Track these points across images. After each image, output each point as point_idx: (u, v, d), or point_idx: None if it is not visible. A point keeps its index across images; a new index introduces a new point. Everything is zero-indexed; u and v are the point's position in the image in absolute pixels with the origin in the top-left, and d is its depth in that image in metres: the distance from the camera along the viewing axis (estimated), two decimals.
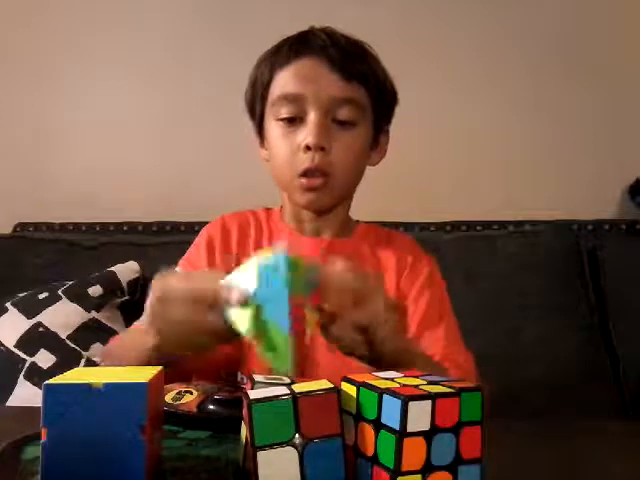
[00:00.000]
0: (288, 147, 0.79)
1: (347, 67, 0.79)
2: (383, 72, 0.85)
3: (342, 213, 0.88)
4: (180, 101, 1.72)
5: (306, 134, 0.77)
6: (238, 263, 0.57)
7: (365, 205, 1.47)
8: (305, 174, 0.78)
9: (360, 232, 0.90)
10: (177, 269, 0.86)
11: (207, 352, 0.62)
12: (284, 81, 0.80)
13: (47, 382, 0.39)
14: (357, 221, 0.93)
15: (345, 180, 0.82)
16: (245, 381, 0.78)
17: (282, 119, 0.80)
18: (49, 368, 1.23)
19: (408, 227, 1.54)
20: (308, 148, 0.77)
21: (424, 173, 1.63)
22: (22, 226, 1.68)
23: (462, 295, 1.33)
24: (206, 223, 0.99)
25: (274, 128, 0.81)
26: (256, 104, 0.85)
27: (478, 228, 1.53)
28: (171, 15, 1.74)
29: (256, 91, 0.84)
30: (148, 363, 0.61)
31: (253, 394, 0.38)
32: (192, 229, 1.17)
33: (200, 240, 0.88)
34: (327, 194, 0.81)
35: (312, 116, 0.78)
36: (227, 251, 0.85)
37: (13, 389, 1.22)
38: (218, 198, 1.61)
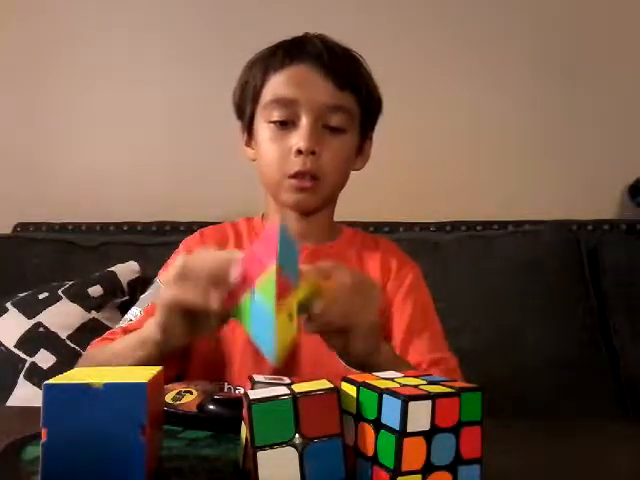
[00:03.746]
0: (279, 150, 0.81)
1: (340, 75, 0.81)
2: (372, 82, 0.87)
3: (326, 217, 0.89)
4: (181, 101, 1.72)
5: (298, 138, 0.79)
6: None
7: (365, 205, 1.49)
8: (295, 176, 0.80)
9: (346, 237, 0.91)
10: (158, 280, 0.87)
11: (209, 334, 0.64)
12: (278, 85, 0.82)
13: (47, 382, 0.39)
14: (342, 225, 0.94)
15: (332, 184, 0.84)
16: (232, 391, 0.79)
17: (274, 122, 0.81)
18: (49, 368, 1.23)
19: (408, 227, 1.55)
20: (299, 152, 0.79)
21: (424, 173, 1.63)
22: (22, 226, 1.68)
23: (462, 295, 1.33)
24: (206, 223, 1.00)
25: (265, 130, 0.83)
26: (246, 105, 0.86)
27: (478, 228, 1.53)
28: (173, 14, 1.74)
29: (247, 92, 0.86)
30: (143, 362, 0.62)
31: (253, 394, 0.38)
32: (192, 229, 1.17)
33: (179, 252, 0.89)
34: (314, 195, 0.82)
35: (304, 121, 0.80)
36: None
37: (13, 389, 1.22)
38: (218, 198, 1.62)
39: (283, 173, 0.81)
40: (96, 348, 0.81)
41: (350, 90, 0.82)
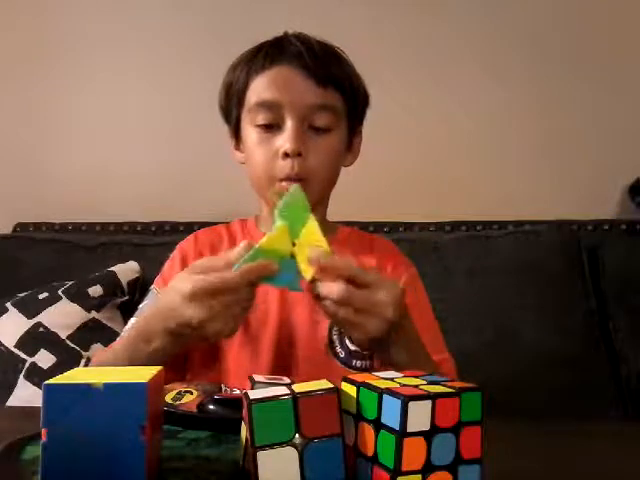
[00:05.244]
0: (265, 153, 0.81)
1: (322, 73, 0.80)
2: (356, 76, 0.86)
3: (318, 217, 0.88)
4: (180, 101, 1.72)
5: (284, 141, 0.79)
6: None
7: (365, 205, 1.49)
8: (283, 179, 0.80)
9: (341, 236, 0.91)
10: (153, 287, 0.87)
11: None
12: (260, 88, 0.81)
13: (47, 382, 0.39)
14: (337, 224, 0.94)
15: (322, 184, 0.83)
16: (230, 393, 0.79)
17: (259, 125, 0.81)
18: (49, 368, 1.23)
19: (408, 227, 1.55)
20: (286, 155, 0.78)
21: (424, 173, 1.63)
22: (22, 226, 1.68)
23: (462, 295, 1.33)
24: (205, 223, 1.00)
25: (251, 134, 0.83)
26: (231, 108, 0.86)
27: (478, 228, 1.53)
28: (173, 15, 1.74)
29: (231, 96, 0.86)
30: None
31: (253, 394, 0.38)
32: (191, 229, 1.17)
33: (174, 257, 0.89)
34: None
35: (289, 123, 0.79)
36: None
37: (13, 389, 1.22)
38: (217, 198, 1.62)
39: (271, 177, 0.80)
40: (98, 358, 0.82)
41: (333, 87, 0.81)
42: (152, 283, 0.89)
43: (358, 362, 0.79)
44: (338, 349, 0.80)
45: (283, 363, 0.79)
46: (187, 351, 0.80)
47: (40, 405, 0.38)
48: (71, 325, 1.29)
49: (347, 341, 0.80)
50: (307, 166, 0.79)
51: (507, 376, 1.22)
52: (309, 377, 0.42)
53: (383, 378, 0.41)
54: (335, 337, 0.80)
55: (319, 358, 0.79)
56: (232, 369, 0.80)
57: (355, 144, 0.90)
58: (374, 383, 0.39)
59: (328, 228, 0.91)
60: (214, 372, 0.81)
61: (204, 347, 0.81)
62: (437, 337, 0.84)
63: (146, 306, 0.85)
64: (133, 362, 0.65)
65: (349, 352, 0.79)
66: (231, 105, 0.86)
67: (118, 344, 0.75)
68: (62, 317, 1.29)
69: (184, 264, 0.86)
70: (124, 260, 1.41)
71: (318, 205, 0.87)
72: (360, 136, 0.91)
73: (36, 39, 1.77)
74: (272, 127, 0.80)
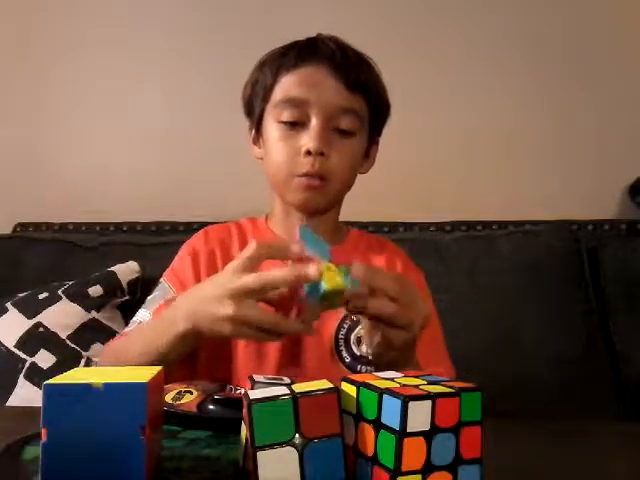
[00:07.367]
0: (288, 150, 0.81)
1: (352, 78, 0.81)
2: (383, 86, 0.87)
3: (332, 219, 0.89)
4: (180, 101, 1.72)
5: (308, 139, 0.79)
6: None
7: (365, 205, 1.49)
8: (303, 175, 0.80)
9: (352, 239, 0.91)
10: (163, 280, 0.86)
11: None
12: (289, 85, 0.81)
13: (47, 382, 0.39)
14: (348, 227, 0.94)
15: (340, 186, 0.84)
16: (233, 392, 0.79)
17: (284, 122, 0.81)
18: (49, 368, 1.23)
19: (408, 227, 1.55)
20: (309, 153, 0.78)
21: (424, 173, 1.63)
22: (22, 226, 1.68)
23: (462, 295, 1.33)
24: (205, 223, 1.00)
25: (274, 130, 0.82)
26: (256, 103, 0.86)
27: (478, 228, 1.53)
28: (172, 14, 1.74)
29: (257, 91, 0.85)
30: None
31: (253, 394, 0.38)
32: (191, 229, 1.17)
33: (184, 252, 0.89)
34: (322, 196, 0.82)
35: (314, 122, 0.79)
36: (211, 263, 0.85)
37: (13, 389, 1.22)
38: (217, 198, 1.62)
39: (291, 173, 0.80)
40: (110, 352, 0.81)
41: (361, 93, 0.82)
42: (158, 279, 0.89)
43: (363, 367, 0.79)
44: (344, 354, 0.80)
45: (289, 367, 0.79)
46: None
47: (40, 405, 0.38)
48: (71, 325, 1.29)
49: (353, 346, 0.80)
50: (328, 166, 0.80)
51: (507, 376, 1.22)
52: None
53: (383, 378, 0.41)
54: (341, 342, 0.80)
55: (325, 362, 0.79)
56: (238, 374, 0.80)
57: (372, 153, 0.90)
58: (374, 383, 0.39)
59: (338, 230, 0.91)
60: (221, 372, 0.80)
61: (211, 351, 0.81)
62: (438, 348, 0.84)
63: (156, 296, 0.84)
64: (150, 347, 0.67)
65: (355, 357, 0.79)
66: (256, 100, 0.86)
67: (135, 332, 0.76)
68: (62, 317, 1.29)
69: (195, 259, 0.86)
70: (124, 260, 1.41)
71: (332, 207, 0.87)
72: (377, 146, 0.91)
73: (36, 39, 1.77)
74: (296, 124, 0.80)
